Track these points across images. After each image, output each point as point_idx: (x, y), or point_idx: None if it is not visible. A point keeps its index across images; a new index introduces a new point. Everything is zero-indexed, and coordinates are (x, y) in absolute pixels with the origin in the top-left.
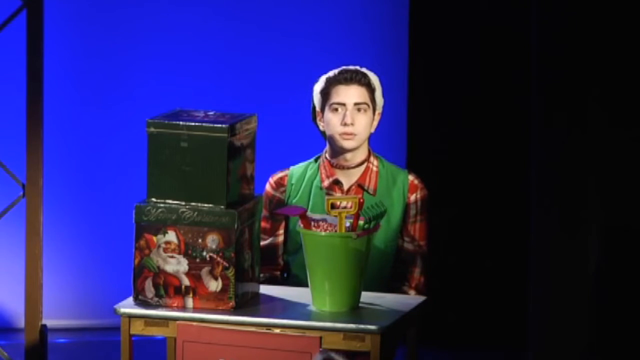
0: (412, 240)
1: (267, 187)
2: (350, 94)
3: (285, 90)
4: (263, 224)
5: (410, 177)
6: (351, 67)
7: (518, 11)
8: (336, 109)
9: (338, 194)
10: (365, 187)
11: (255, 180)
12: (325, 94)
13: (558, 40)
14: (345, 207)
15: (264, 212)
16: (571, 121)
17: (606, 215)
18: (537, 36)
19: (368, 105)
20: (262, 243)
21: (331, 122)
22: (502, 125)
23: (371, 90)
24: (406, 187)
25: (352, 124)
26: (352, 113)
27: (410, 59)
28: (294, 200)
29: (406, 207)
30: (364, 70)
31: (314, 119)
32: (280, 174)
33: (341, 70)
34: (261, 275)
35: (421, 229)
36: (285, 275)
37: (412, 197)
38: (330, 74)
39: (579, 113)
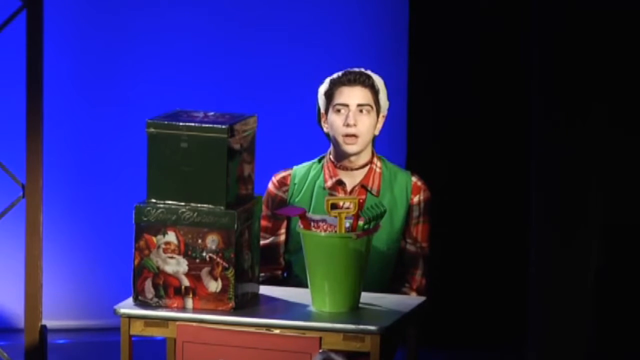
0: (414, 241)
1: (270, 186)
2: (353, 95)
3: (285, 91)
4: (264, 223)
5: (414, 179)
6: (355, 69)
7: (518, 11)
8: (339, 110)
9: (341, 195)
10: (369, 188)
11: (256, 181)
12: (329, 95)
13: (558, 41)
14: (346, 208)
15: (266, 211)
16: (571, 121)
17: (606, 215)
18: (537, 36)
19: (371, 107)
20: (264, 242)
21: (334, 123)
22: (502, 125)
23: (375, 92)
24: (409, 189)
25: (354, 125)
26: (355, 114)
27: (410, 60)
28: (296, 200)
29: (409, 208)
30: (368, 72)
31: (319, 121)
32: (283, 174)
33: (345, 72)
34: (262, 274)
35: (423, 230)
36: (285, 274)
37: (415, 199)
38: (335, 75)
39: (579, 113)
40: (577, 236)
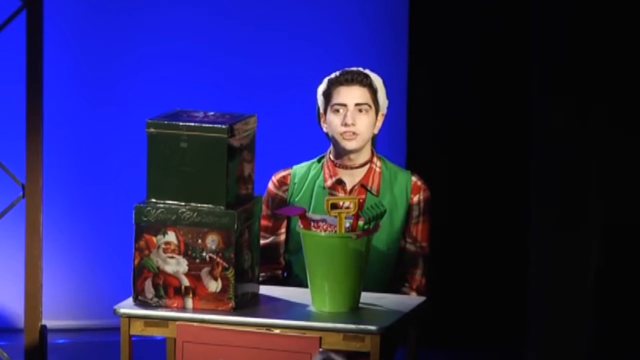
0: (414, 241)
1: (270, 185)
2: (351, 94)
3: (285, 91)
4: (265, 223)
5: (414, 178)
6: (353, 69)
7: (518, 10)
8: (337, 110)
9: (341, 194)
10: (369, 188)
11: (256, 181)
12: (327, 95)
13: (558, 40)
14: (346, 208)
15: (266, 211)
16: (571, 121)
17: (606, 215)
18: (537, 36)
19: (370, 106)
20: (264, 242)
21: (333, 123)
22: (502, 125)
23: (373, 90)
24: (409, 188)
25: (352, 124)
26: (353, 113)
27: (410, 60)
28: (296, 199)
29: (409, 208)
30: (366, 71)
31: (319, 121)
32: (283, 173)
33: (343, 72)
34: (262, 274)
35: (423, 230)
36: (285, 274)
37: (415, 198)
38: (332, 75)
39: (579, 113)
40: (577, 236)
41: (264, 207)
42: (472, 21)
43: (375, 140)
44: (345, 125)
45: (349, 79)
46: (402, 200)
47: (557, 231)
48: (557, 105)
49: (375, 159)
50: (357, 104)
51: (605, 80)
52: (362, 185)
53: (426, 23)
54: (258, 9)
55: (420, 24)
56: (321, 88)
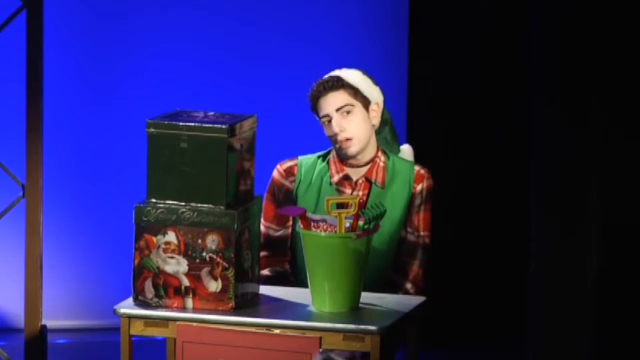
0: (414, 231)
1: (276, 174)
2: (329, 103)
3: (285, 91)
4: (273, 214)
5: (417, 168)
6: (325, 77)
7: (518, 10)
8: (326, 122)
9: (348, 190)
10: (373, 181)
11: (256, 181)
12: (314, 110)
13: (558, 40)
14: (350, 206)
15: (273, 200)
16: (571, 121)
17: (606, 215)
18: (537, 36)
19: (352, 105)
20: (275, 234)
21: (328, 134)
22: (502, 124)
23: (350, 89)
24: (412, 178)
25: (342, 130)
26: (338, 120)
27: (410, 60)
28: (303, 195)
29: (411, 197)
30: (337, 74)
31: None
32: (289, 163)
33: (316, 84)
34: (269, 268)
35: (425, 219)
36: (289, 269)
37: (418, 187)
38: (310, 91)
39: (579, 113)
40: (577, 236)
41: (269, 196)
42: (472, 21)
43: (393, 128)
44: (335, 134)
45: (321, 89)
46: (405, 190)
47: (557, 231)
48: (557, 105)
49: (379, 154)
50: (338, 109)
51: (605, 80)
52: (367, 179)
53: (426, 23)
54: (258, 9)
55: (420, 24)
56: (310, 105)
